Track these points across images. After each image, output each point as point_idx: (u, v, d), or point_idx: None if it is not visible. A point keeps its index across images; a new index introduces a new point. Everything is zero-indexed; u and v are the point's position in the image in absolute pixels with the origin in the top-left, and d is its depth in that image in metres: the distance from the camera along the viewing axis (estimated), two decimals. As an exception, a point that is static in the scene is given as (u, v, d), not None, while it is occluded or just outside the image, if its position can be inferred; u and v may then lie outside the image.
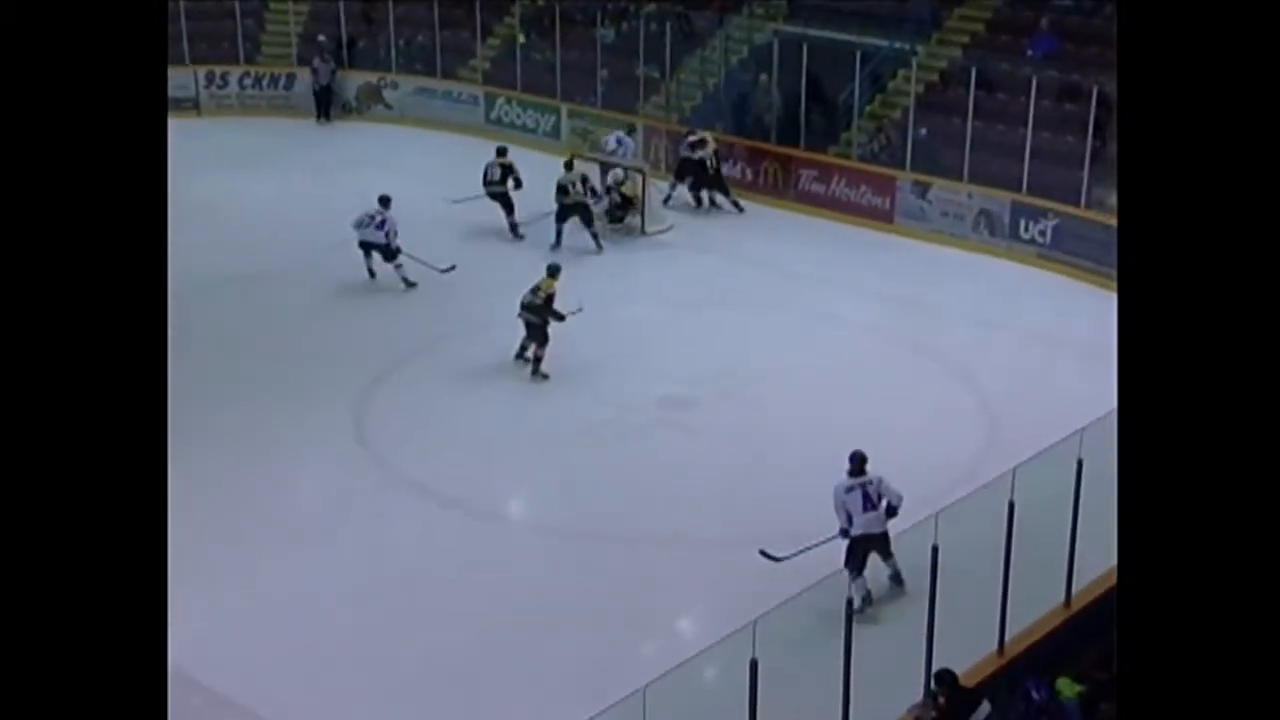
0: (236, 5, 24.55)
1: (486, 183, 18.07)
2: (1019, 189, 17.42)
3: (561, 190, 17.61)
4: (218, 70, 24.28)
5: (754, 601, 7.76)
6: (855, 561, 9.74)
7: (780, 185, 19.57)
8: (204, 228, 18.08)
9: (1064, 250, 16.89)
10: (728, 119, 20.79)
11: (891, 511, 9.82)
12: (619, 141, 20.10)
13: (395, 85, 24.11)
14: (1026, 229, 17.25)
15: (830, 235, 18.34)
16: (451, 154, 21.16)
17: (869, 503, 9.77)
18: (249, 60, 24.59)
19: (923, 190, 18.14)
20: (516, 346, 14.12)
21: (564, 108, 22.22)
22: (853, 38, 19.60)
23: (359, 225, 15.96)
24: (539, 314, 13.82)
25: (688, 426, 12.97)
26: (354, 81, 24.10)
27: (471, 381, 13.84)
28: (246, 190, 19.86)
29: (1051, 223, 17.01)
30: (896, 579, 9.99)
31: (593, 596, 10.40)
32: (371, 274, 15.91)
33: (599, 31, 22.20)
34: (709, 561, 10.85)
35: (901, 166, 18.56)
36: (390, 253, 15.83)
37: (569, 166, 18.07)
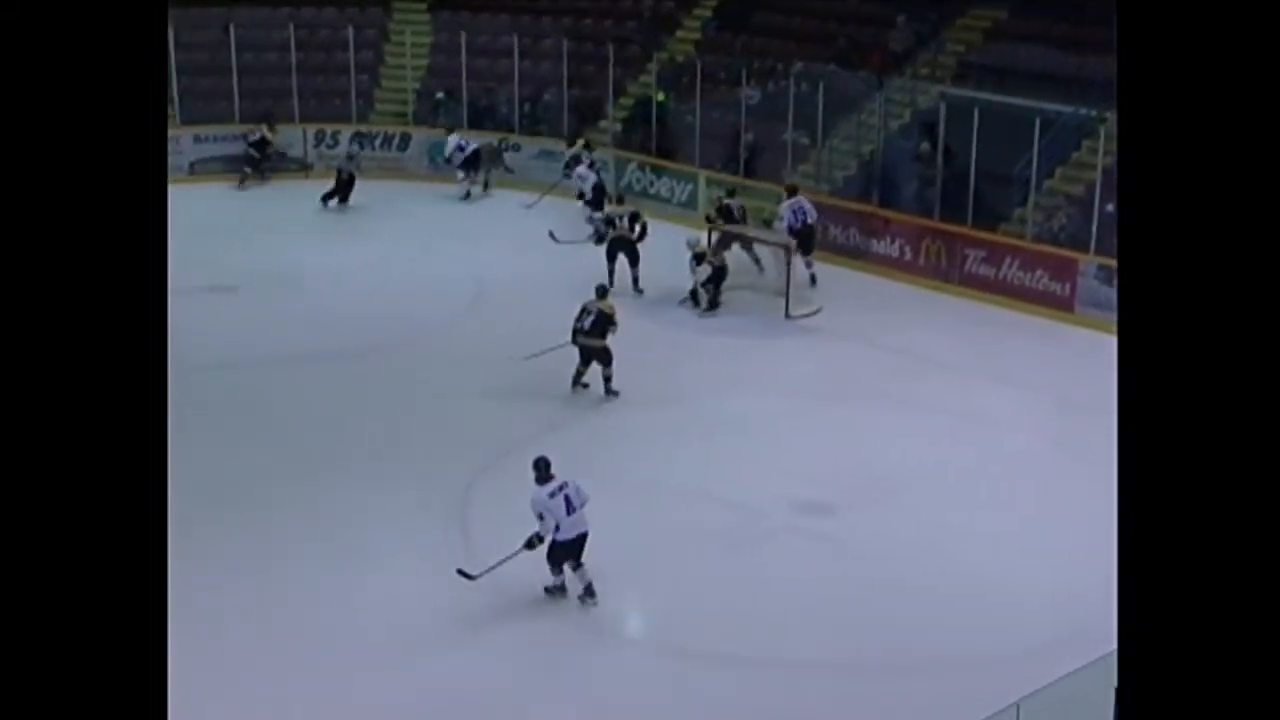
0: (351, 59, 25.66)
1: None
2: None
3: (609, 223, 18.84)
4: (328, 129, 25.05)
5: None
6: (562, 559, 11.19)
7: (943, 267, 19.08)
8: (305, 296, 18.70)
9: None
10: (884, 191, 20.44)
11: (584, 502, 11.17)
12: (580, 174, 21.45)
13: (517, 147, 24.61)
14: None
15: (999, 324, 17.84)
16: (577, 223, 21.63)
17: (570, 506, 11.01)
18: (361, 119, 25.44)
19: (1109, 275, 17.38)
20: (572, 376, 15.09)
21: (702, 175, 21.92)
22: (1030, 103, 19.01)
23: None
24: (598, 335, 15.06)
25: (825, 535, 12.80)
26: (471, 142, 24.14)
27: (579, 476, 13.56)
28: (350, 258, 20.23)
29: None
30: (589, 592, 11.26)
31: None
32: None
33: (744, 91, 21.92)
34: (850, 691, 10.47)
35: (1085, 248, 17.96)
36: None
37: (619, 200, 19.18)
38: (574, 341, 15.15)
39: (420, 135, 24.89)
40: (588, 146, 22.67)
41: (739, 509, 13.15)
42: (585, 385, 15.34)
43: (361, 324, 17.71)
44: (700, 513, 13.05)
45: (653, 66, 24.03)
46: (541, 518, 11.04)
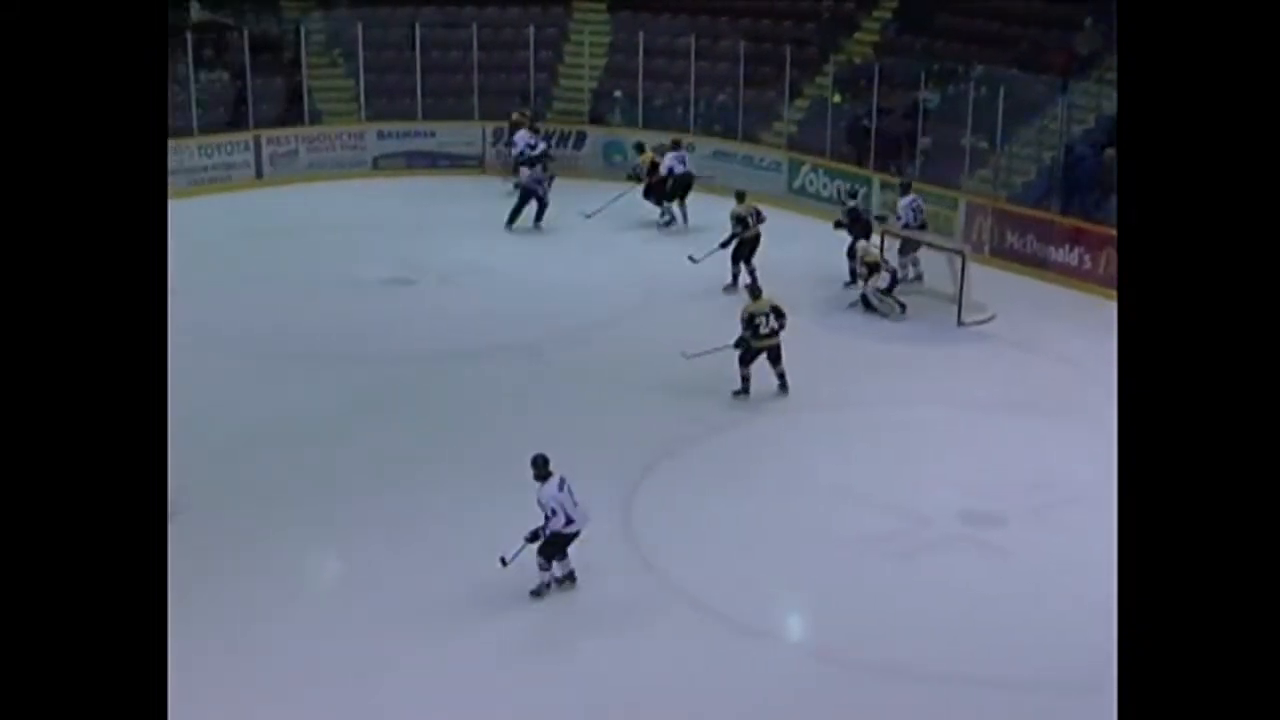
0: (530, 58, 26.09)
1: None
2: None
3: (739, 221, 18.49)
4: (505, 127, 25.65)
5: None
6: (554, 554, 11.20)
7: (1124, 276, 18.91)
8: (476, 292, 19.02)
9: None
10: (1065, 198, 20.10)
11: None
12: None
13: (692, 147, 24.75)
14: None
15: (1181, 337, 17.55)
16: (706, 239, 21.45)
17: (574, 498, 11.07)
18: (538, 117, 25.46)
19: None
20: (739, 385, 15.00)
21: (876, 178, 21.89)
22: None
23: None
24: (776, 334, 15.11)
25: (993, 546, 12.59)
26: (645, 141, 24.78)
27: (743, 479, 13.56)
28: (524, 254, 20.54)
29: None
30: (570, 577, 11.39)
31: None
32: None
33: (922, 95, 21.88)
34: (1018, 710, 10.27)
35: (1275, 259, 17.60)
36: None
37: (741, 198, 18.80)
38: (758, 346, 15.11)
39: (595, 134, 25.19)
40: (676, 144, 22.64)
41: (905, 516, 13.04)
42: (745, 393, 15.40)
43: (532, 319, 17.97)
44: (864, 518, 12.98)
45: (829, 68, 23.92)
46: (554, 513, 11.03)
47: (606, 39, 26.49)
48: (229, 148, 23.88)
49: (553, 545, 11.20)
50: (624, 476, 13.45)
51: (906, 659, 10.82)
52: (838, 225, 19.18)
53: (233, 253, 20.65)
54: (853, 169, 22.42)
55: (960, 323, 17.84)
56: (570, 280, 19.55)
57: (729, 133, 24.32)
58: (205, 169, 23.86)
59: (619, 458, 13.88)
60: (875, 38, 24.74)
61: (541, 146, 22.74)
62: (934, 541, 12.66)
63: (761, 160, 23.72)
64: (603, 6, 26.98)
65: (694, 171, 21.94)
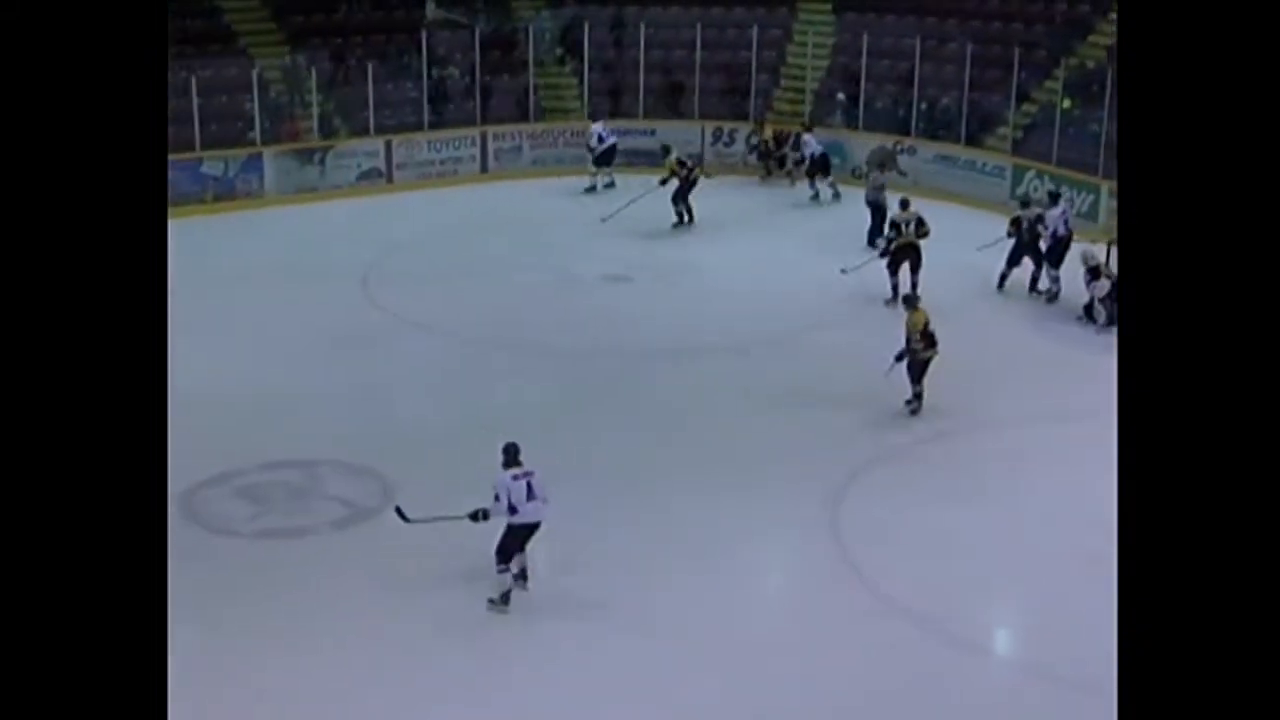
0: (753, 59, 26.15)
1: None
2: None
3: (894, 227, 18.29)
4: (725, 127, 25.78)
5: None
6: (513, 549, 10.95)
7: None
8: (690, 292, 19.17)
9: None
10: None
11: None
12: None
13: (913, 151, 24.54)
14: None
15: None
16: (967, 233, 21.26)
17: (531, 493, 10.84)
18: (758, 118, 25.59)
19: None
20: (915, 395, 14.78)
21: (1105, 186, 21.21)
22: None
23: None
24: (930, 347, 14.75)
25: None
26: (865, 144, 24.46)
27: (955, 490, 13.27)
28: (740, 254, 20.67)
29: None
30: (522, 576, 11.09)
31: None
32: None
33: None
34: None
35: None
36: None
37: (905, 205, 18.49)
38: (925, 357, 14.85)
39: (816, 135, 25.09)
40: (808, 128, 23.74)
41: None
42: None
43: (744, 319, 18.05)
44: (1087, 536, 12.63)
45: (1060, 72, 23.36)
46: (497, 498, 10.87)
47: (830, 40, 26.38)
48: (456, 143, 24.58)
49: (509, 539, 11.00)
50: (830, 482, 13.41)
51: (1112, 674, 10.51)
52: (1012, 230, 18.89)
53: (455, 244, 21.25)
54: (1080, 176, 21.84)
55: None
56: (784, 282, 19.53)
57: (952, 137, 23.96)
58: (434, 163, 24.63)
59: (824, 462, 13.84)
60: (1109, 40, 24.04)
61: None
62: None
63: (985, 166, 23.35)
64: (828, 7, 26.87)
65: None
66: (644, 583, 11.64)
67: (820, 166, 23.44)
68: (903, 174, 23.65)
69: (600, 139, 23.99)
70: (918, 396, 14.89)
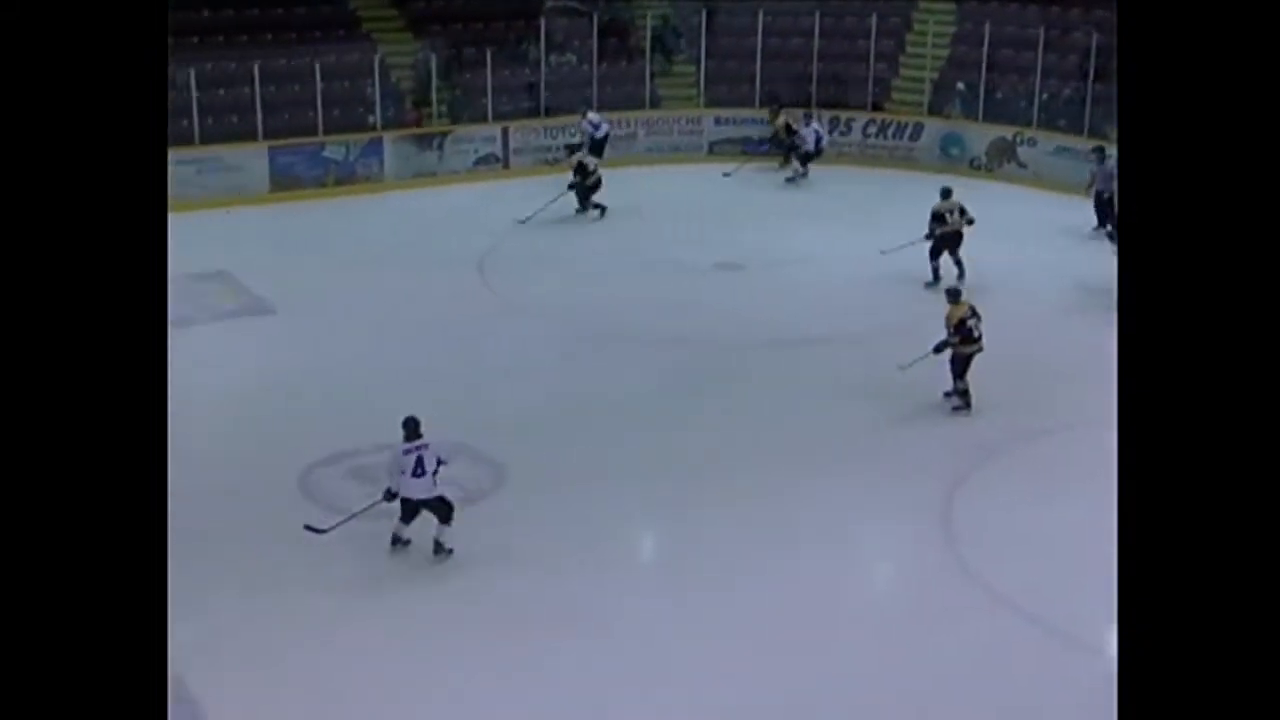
0: (871, 48, 26.00)
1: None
2: None
3: (937, 218, 18.20)
4: (842, 115, 25.69)
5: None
6: (404, 517, 11.49)
7: None
8: (803, 283, 19.18)
9: None
10: None
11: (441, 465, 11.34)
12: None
13: (1033, 142, 24.22)
14: None
15: None
16: (1085, 227, 20.85)
17: (419, 468, 11.18)
18: (876, 107, 25.87)
19: None
20: (961, 391, 14.60)
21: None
22: None
23: None
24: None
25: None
26: (985, 135, 24.39)
27: (1065, 488, 13.09)
28: (851, 245, 20.45)
29: None
30: (404, 543, 11.60)
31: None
32: None
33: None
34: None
35: None
36: None
37: (946, 195, 18.42)
38: (968, 352, 14.61)
39: (934, 126, 24.92)
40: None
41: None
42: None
43: (855, 311, 18.05)
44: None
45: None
46: (389, 472, 11.38)
47: (951, 29, 26.11)
48: (572, 130, 24.76)
49: (404, 506, 11.51)
50: (940, 478, 13.37)
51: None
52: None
53: (569, 230, 21.41)
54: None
55: None
56: (897, 275, 19.38)
57: (1074, 128, 23.59)
58: (549, 149, 24.81)
59: (934, 457, 13.79)
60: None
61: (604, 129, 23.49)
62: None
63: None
64: (949, -4, 26.60)
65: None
66: (731, 567, 11.77)
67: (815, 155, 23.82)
68: (1022, 166, 23.37)
69: (594, 125, 23.87)
70: (961, 393, 14.66)
